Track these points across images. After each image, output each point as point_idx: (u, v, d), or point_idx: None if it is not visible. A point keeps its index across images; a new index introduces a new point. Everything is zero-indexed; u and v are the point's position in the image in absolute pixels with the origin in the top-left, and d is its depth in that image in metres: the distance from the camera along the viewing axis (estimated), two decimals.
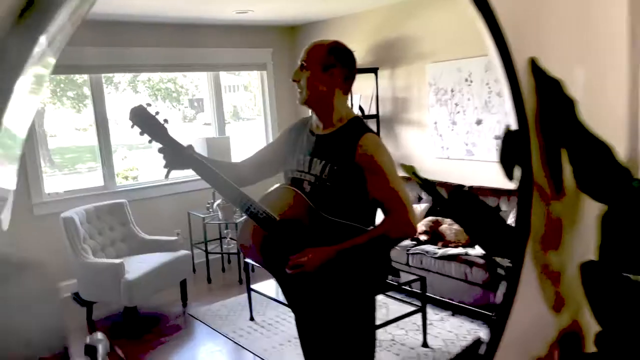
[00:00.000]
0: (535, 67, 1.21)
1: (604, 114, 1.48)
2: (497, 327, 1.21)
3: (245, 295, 3.63)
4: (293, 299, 1.68)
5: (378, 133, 4.37)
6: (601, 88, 1.50)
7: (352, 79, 1.63)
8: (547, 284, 1.32)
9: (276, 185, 1.65)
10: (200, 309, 3.88)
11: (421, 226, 3.77)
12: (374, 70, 4.51)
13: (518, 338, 1.27)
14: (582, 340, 1.42)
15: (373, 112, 4.60)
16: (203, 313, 3.79)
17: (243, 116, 7.22)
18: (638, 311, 1.15)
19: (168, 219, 4.65)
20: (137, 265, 3.59)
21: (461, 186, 3.90)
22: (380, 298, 3.01)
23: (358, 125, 1.60)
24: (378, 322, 2.18)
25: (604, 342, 1.22)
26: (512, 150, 1.21)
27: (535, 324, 1.33)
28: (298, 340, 1.84)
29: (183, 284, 3.94)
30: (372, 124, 3.55)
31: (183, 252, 3.92)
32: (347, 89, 1.63)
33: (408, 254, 3.67)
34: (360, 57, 4.27)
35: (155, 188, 4.73)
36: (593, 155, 1.19)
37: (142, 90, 6.55)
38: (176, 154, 1.51)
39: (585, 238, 1.28)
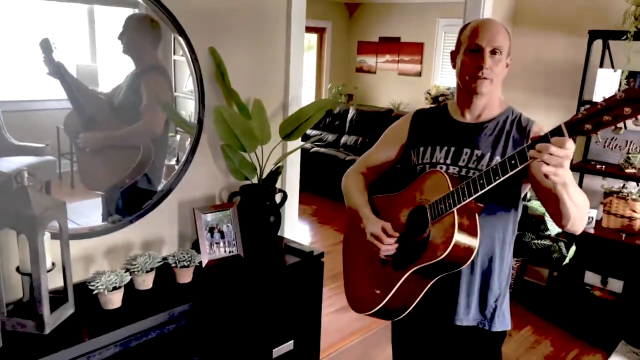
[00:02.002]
0: (213, 53, 2.36)
1: (270, 78, 2.69)
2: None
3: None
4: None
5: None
6: (265, 63, 2.67)
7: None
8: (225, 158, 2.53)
9: None
10: None
11: None
12: None
13: (190, 186, 2.47)
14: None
15: None
16: None
17: None
18: None
19: (39, 131, 5.34)
20: (4, 165, 4.35)
21: None
22: None
23: (150, 67, 2.59)
24: None
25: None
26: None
27: (210, 179, 2.55)
28: None
29: (48, 185, 4.78)
30: None
31: (49, 157, 4.74)
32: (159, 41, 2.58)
33: None
34: None
35: (29, 102, 5.35)
36: (234, 97, 2.39)
37: None
38: (52, 65, 2.32)
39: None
